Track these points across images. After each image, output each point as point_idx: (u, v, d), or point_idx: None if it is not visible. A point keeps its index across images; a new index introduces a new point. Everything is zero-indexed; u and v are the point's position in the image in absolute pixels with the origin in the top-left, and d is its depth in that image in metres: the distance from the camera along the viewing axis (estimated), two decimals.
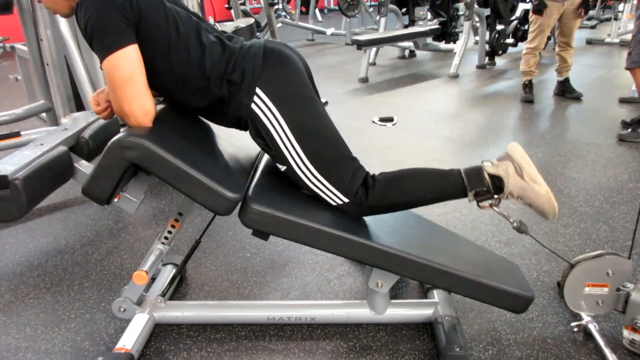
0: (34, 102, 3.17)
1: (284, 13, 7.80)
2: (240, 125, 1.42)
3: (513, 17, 5.84)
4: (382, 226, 1.47)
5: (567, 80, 4.26)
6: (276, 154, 1.37)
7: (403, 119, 3.85)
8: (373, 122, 3.80)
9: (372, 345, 1.53)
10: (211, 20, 4.01)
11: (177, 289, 1.84)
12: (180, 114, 1.48)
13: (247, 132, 1.44)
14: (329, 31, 7.71)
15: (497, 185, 1.36)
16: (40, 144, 1.49)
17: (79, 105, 3.00)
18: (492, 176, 1.36)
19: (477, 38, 5.76)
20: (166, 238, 1.55)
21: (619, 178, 2.66)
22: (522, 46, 4.29)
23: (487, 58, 5.71)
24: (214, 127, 1.58)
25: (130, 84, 1.23)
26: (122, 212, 2.38)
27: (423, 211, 1.90)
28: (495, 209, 1.39)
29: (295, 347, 1.54)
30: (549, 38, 5.05)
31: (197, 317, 1.62)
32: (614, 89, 4.48)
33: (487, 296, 1.41)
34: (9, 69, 5.35)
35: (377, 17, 6.43)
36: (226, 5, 6.18)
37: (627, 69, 3.24)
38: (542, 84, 4.76)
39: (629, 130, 3.25)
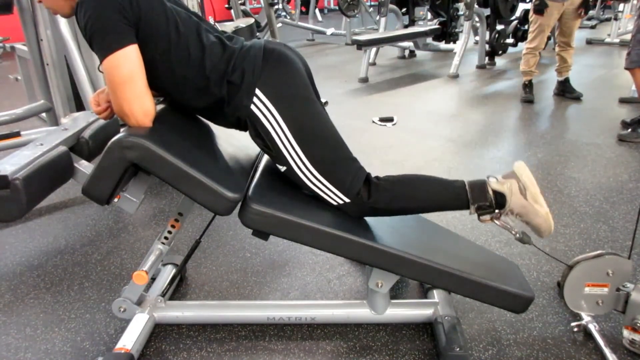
0: (34, 102, 3.17)
1: (284, 13, 7.80)
2: (240, 125, 1.42)
3: (513, 17, 5.84)
4: (382, 226, 1.47)
5: (567, 80, 4.26)
6: (276, 155, 1.37)
7: (403, 119, 3.85)
8: (373, 122, 3.80)
9: (372, 345, 1.53)
10: (211, 20, 4.01)
11: (177, 289, 1.84)
12: (180, 114, 1.48)
13: (247, 132, 1.44)
14: (329, 31, 7.71)
15: (499, 201, 1.38)
16: (40, 144, 1.49)
17: (79, 105, 3.00)
18: (495, 192, 1.38)
19: (477, 38, 5.76)
20: (166, 238, 1.55)
21: (619, 178, 2.66)
22: (522, 46, 4.30)
23: (487, 58, 5.71)
24: (214, 127, 1.58)
25: (130, 84, 1.23)
26: (122, 212, 2.38)
27: None
28: (497, 222, 1.41)
29: (295, 347, 1.54)
30: (549, 38, 5.05)
31: (197, 317, 1.62)
32: (614, 89, 4.48)
33: (487, 296, 1.41)
34: (9, 69, 5.35)
35: (377, 17, 6.43)
36: (226, 5, 6.18)
37: (626, 69, 3.24)
38: (542, 84, 4.76)
39: (629, 130, 3.25)
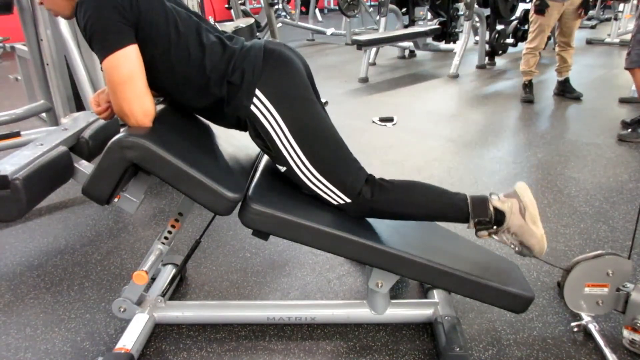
0: (34, 102, 3.17)
1: (284, 13, 7.80)
2: (240, 125, 1.42)
3: (513, 17, 5.84)
4: (382, 226, 1.47)
5: (567, 80, 4.26)
6: (276, 155, 1.37)
7: (403, 119, 3.85)
8: (373, 122, 3.80)
9: (372, 345, 1.53)
10: (211, 20, 4.01)
11: (177, 289, 1.84)
12: (180, 114, 1.48)
13: (247, 132, 1.44)
14: (329, 31, 7.71)
15: (499, 219, 1.40)
16: (40, 144, 1.49)
17: (79, 105, 3.00)
18: (496, 209, 1.40)
19: (477, 38, 5.76)
20: (166, 238, 1.55)
21: (619, 178, 2.66)
22: (522, 46, 4.30)
23: (487, 58, 5.71)
24: (214, 127, 1.58)
25: (130, 84, 1.23)
26: (122, 212, 2.38)
27: None
28: (495, 237, 1.43)
29: (295, 347, 1.54)
30: (549, 38, 5.05)
31: (197, 317, 1.62)
32: (614, 89, 4.48)
33: (487, 296, 1.41)
34: (9, 69, 5.35)
35: (377, 17, 6.43)
36: (226, 5, 6.18)
37: (626, 69, 3.24)
38: (542, 84, 4.76)
39: (629, 130, 3.25)
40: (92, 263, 2.03)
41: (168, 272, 1.76)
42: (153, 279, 1.74)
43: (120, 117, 1.29)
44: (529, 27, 4.13)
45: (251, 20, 3.70)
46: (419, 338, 1.55)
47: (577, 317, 1.57)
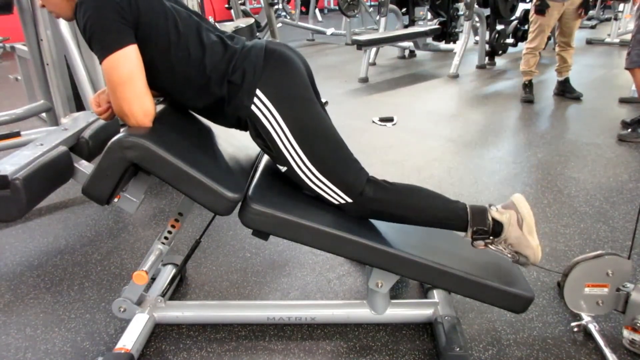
0: (34, 102, 3.17)
1: (284, 13, 7.80)
2: (241, 125, 1.42)
3: (513, 17, 5.84)
4: (382, 226, 1.47)
5: (567, 80, 4.26)
6: (276, 155, 1.37)
7: (403, 119, 3.85)
8: (373, 122, 3.80)
9: (372, 345, 1.53)
10: (211, 20, 4.01)
11: (177, 289, 1.84)
12: (180, 114, 1.48)
13: (247, 132, 1.44)
14: (329, 31, 7.71)
15: (496, 229, 1.42)
16: (40, 144, 1.49)
17: (79, 105, 3.00)
18: (494, 220, 1.41)
19: (477, 38, 5.75)
20: (166, 238, 1.55)
21: (619, 178, 2.66)
22: (522, 46, 4.30)
23: (487, 58, 5.71)
24: (214, 127, 1.58)
25: (129, 84, 1.23)
26: (122, 212, 2.38)
27: None
28: (492, 247, 1.44)
29: (295, 347, 1.54)
30: (549, 38, 5.05)
31: (197, 317, 1.62)
32: (614, 89, 4.48)
33: (487, 296, 1.41)
34: (9, 69, 5.35)
35: (377, 17, 6.43)
36: (226, 5, 6.19)
37: (626, 69, 3.24)
38: (542, 84, 4.76)
39: (629, 130, 3.25)
40: (92, 263, 2.03)
41: (168, 272, 1.76)
42: (153, 279, 1.74)
43: (120, 117, 1.29)
44: (529, 27, 4.13)
45: (251, 20, 3.70)
46: (419, 338, 1.55)
47: (577, 317, 1.57)
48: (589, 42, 6.96)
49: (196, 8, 3.41)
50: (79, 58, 2.78)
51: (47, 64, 2.92)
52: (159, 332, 1.60)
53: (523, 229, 1.40)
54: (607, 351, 1.43)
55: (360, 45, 5.01)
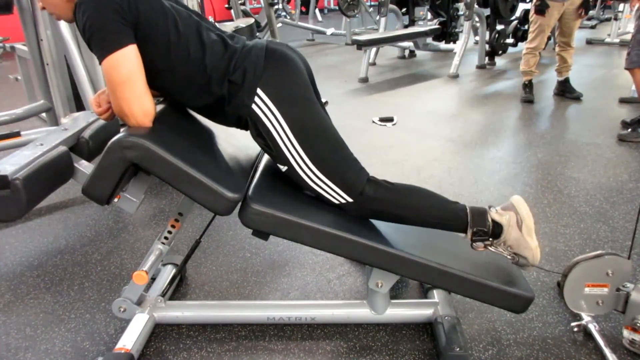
0: (34, 102, 3.17)
1: (284, 13, 7.80)
2: (241, 124, 1.42)
3: (513, 17, 5.84)
4: (382, 226, 1.47)
5: (567, 80, 4.26)
6: (277, 155, 1.37)
7: (403, 119, 3.85)
8: (373, 122, 3.80)
9: (372, 345, 1.53)
10: (211, 20, 4.01)
11: (177, 289, 1.84)
12: (180, 113, 1.48)
13: (248, 131, 1.44)
14: (329, 31, 7.71)
15: (496, 231, 1.42)
16: (40, 144, 1.49)
17: (79, 105, 3.00)
18: (494, 222, 1.42)
19: (477, 38, 5.75)
20: (166, 238, 1.55)
21: (619, 178, 2.66)
22: (522, 46, 4.29)
23: (487, 58, 5.71)
24: (214, 127, 1.58)
25: (129, 84, 1.23)
26: (122, 212, 2.38)
27: None
28: (492, 249, 1.44)
29: (295, 347, 1.54)
30: (549, 38, 5.05)
31: (197, 317, 1.62)
32: (614, 89, 4.48)
33: (487, 296, 1.41)
34: (9, 69, 5.35)
35: (377, 17, 6.43)
36: (226, 5, 6.19)
37: (626, 69, 3.24)
38: (542, 84, 4.76)
39: (629, 130, 3.25)
40: (92, 263, 2.03)
41: (168, 272, 1.76)
42: (153, 279, 1.74)
43: (120, 117, 1.29)
44: (529, 27, 4.13)
45: (251, 20, 3.70)
46: (419, 338, 1.55)
47: (577, 317, 1.57)
48: (589, 42, 6.96)
49: (196, 8, 3.42)
50: (79, 58, 2.78)
51: (47, 64, 2.92)
52: (159, 332, 1.60)
53: (522, 230, 1.40)
54: (607, 351, 1.43)
55: (360, 45, 5.01)
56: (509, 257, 1.43)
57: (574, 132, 3.43)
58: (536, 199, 2.45)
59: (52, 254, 2.11)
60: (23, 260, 2.08)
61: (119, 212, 2.44)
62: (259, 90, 1.31)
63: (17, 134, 2.72)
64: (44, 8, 1.34)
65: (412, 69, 5.79)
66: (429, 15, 6.70)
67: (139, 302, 1.57)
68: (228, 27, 3.29)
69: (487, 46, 5.67)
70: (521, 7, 5.88)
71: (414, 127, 3.67)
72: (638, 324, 1.39)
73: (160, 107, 1.41)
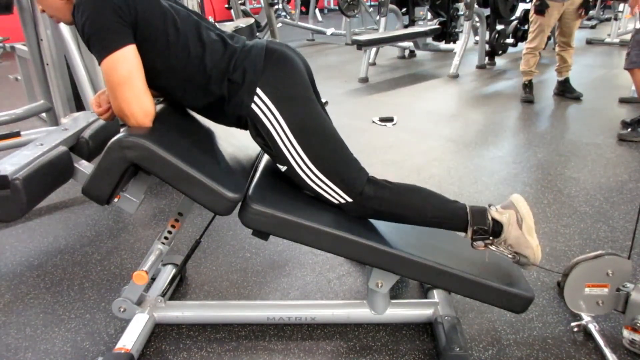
0: (34, 102, 3.17)
1: (284, 13, 7.80)
2: (241, 124, 1.42)
3: (513, 17, 5.84)
4: (382, 226, 1.47)
5: (567, 80, 4.26)
6: (276, 154, 1.37)
7: (403, 119, 3.85)
8: (373, 122, 3.80)
9: (372, 345, 1.53)
10: (211, 20, 4.01)
11: (177, 289, 1.84)
12: (180, 113, 1.48)
13: (248, 131, 1.44)
14: (329, 31, 7.71)
15: (496, 230, 1.42)
16: (40, 144, 1.49)
17: (79, 105, 3.00)
18: (494, 220, 1.41)
19: (477, 38, 5.75)
20: (166, 238, 1.55)
21: (619, 178, 2.66)
22: (522, 46, 4.29)
23: (487, 58, 5.71)
24: (214, 126, 1.58)
25: (129, 84, 1.23)
26: (122, 212, 2.38)
27: None
28: (492, 247, 1.44)
29: (295, 347, 1.54)
30: (549, 38, 5.05)
31: (197, 317, 1.62)
32: (614, 89, 4.48)
33: (487, 296, 1.41)
34: (9, 69, 5.35)
35: (377, 17, 6.42)
36: (226, 5, 6.19)
37: (626, 69, 3.24)
38: (542, 84, 4.76)
39: (629, 130, 3.25)
40: (92, 263, 2.03)
41: (168, 272, 1.76)
42: (153, 279, 1.74)
43: (120, 117, 1.29)
44: (529, 27, 4.13)
45: (251, 20, 3.70)
46: (419, 338, 1.55)
47: (577, 317, 1.57)
48: (589, 42, 6.96)
49: (196, 8, 3.41)
50: (79, 58, 2.78)
51: (47, 64, 2.92)
52: (159, 332, 1.60)
53: (522, 229, 1.40)
54: (607, 351, 1.43)
55: (360, 45, 5.01)
56: (509, 256, 1.43)
57: (574, 132, 3.43)
58: (536, 198, 2.45)
59: (52, 254, 2.11)
60: (23, 260, 2.08)
61: (119, 212, 2.44)
62: (258, 90, 1.31)
63: (17, 134, 2.72)
64: (43, 11, 1.34)
65: (412, 69, 5.79)
66: (429, 15, 6.70)
67: (139, 302, 1.57)
68: (228, 27, 3.29)
69: (487, 46, 5.67)
70: (521, 7, 5.87)
71: (414, 127, 3.67)
72: (638, 324, 1.39)
73: (160, 107, 1.41)
